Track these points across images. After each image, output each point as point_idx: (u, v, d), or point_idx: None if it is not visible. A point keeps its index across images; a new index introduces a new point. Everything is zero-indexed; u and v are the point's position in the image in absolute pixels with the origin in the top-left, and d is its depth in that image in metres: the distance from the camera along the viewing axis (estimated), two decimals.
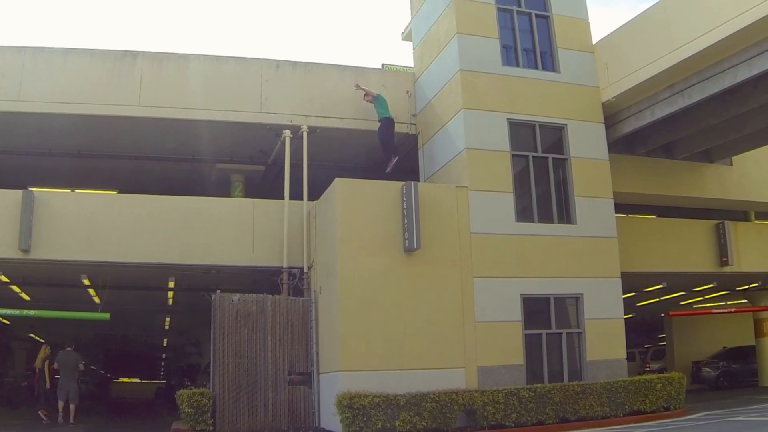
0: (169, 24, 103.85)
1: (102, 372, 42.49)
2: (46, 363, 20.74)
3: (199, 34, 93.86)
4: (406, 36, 21.45)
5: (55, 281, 19.83)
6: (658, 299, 28.96)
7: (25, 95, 16.72)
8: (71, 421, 18.46)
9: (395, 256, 15.27)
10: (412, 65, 20.19)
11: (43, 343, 22.51)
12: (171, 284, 20.14)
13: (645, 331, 37.51)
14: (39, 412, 19.15)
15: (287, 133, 17.86)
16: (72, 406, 18.66)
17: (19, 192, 16.39)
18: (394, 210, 15.46)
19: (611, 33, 18.13)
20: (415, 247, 15.07)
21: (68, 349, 19.70)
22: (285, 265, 17.12)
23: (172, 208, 17.52)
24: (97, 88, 17.11)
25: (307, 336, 16.13)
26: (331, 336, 15.20)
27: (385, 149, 17.83)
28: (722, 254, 21.82)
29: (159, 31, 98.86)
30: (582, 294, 16.52)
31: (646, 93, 17.26)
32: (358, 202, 15.50)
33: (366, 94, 17.99)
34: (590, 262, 16.77)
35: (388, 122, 17.78)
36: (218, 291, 15.91)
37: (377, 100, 17.86)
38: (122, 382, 41.55)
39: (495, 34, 17.48)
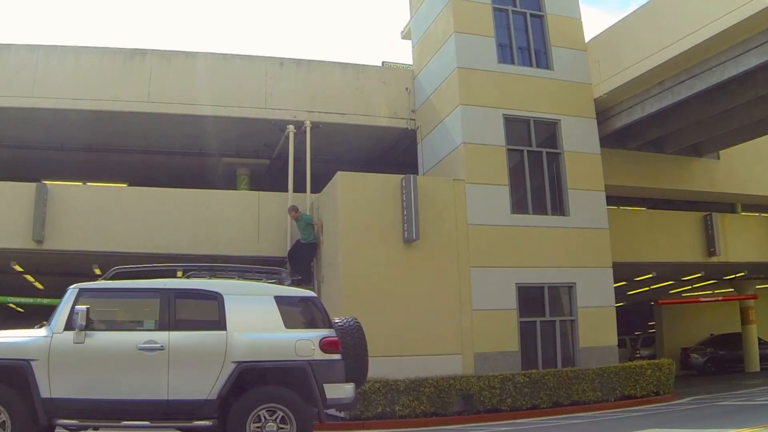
0: (177, 23, 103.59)
1: None
2: None
3: (205, 33, 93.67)
4: (406, 35, 21.82)
5: (67, 271, 19.92)
6: (648, 288, 29.31)
7: (38, 92, 17.08)
8: None
9: (395, 247, 15.61)
10: (411, 63, 20.48)
11: None
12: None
13: (635, 318, 37.84)
14: None
15: (291, 128, 18.21)
16: None
17: (33, 185, 16.73)
18: (394, 202, 15.81)
19: (603, 31, 18.51)
20: (414, 237, 15.43)
21: None
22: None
23: (180, 201, 17.88)
24: (108, 85, 17.46)
25: None
26: None
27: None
28: (710, 245, 22.10)
29: (167, 30, 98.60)
30: (575, 283, 16.90)
31: (637, 90, 17.62)
32: (360, 195, 15.82)
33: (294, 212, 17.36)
34: (583, 252, 17.13)
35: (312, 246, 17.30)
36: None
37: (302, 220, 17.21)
38: None
39: (491, 32, 17.84)
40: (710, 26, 14.82)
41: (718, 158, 23.06)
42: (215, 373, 7.99)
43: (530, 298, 16.62)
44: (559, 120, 17.83)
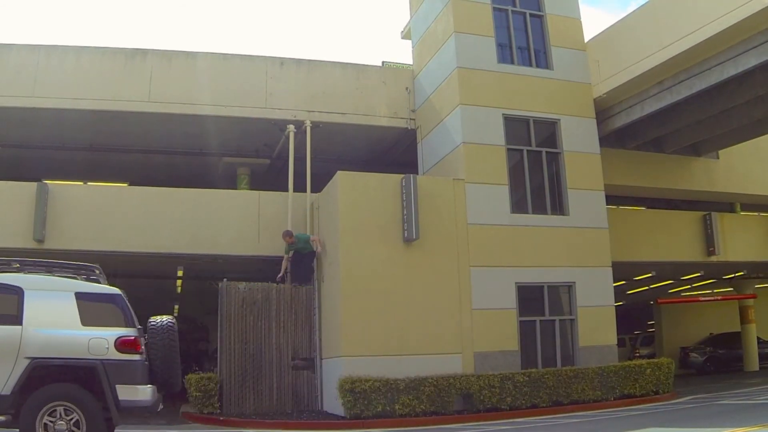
0: (178, 23, 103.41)
1: None
2: None
3: (205, 33, 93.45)
4: (406, 34, 21.82)
5: None
6: (647, 287, 29.27)
7: (39, 92, 17.09)
8: None
9: (395, 246, 15.63)
10: (411, 63, 20.51)
11: None
12: (180, 273, 20.54)
13: (635, 317, 37.89)
14: None
15: (291, 127, 18.25)
16: None
17: (34, 184, 16.73)
18: (394, 202, 15.83)
19: (602, 31, 18.54)
20: (414, 237, 15.45)
21: None
22: (289, 255, 17.45)
23: (180, 200, 17.89)
24: (109, 85, 17.48)
25: (310, 323, 16.49)
26: (333, 323, 15.59)
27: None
28: (709, 244, 22.11)
29: (167, 29, 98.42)
30: (574, 282, 16.92)
31: (636, 89, 17.65)
32: (360, 194, 15.86)
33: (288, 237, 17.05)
34: (582, 251, 17.16)
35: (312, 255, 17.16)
36: (225, 279, 16.27)
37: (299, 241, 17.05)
38: None
39: (491, 32, 17.87)
40: (709, 26, 14.85)
41: (718, 158, 23.11)
42: (9, 369, 7.97)
43: (530, 298, 16.64)
44: (559, 120, 17.85)
